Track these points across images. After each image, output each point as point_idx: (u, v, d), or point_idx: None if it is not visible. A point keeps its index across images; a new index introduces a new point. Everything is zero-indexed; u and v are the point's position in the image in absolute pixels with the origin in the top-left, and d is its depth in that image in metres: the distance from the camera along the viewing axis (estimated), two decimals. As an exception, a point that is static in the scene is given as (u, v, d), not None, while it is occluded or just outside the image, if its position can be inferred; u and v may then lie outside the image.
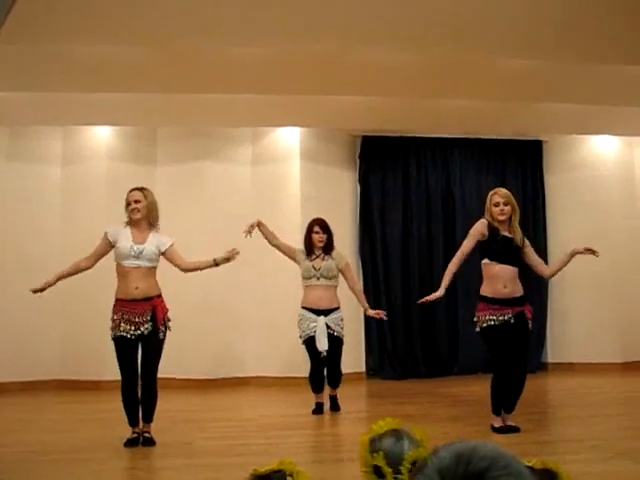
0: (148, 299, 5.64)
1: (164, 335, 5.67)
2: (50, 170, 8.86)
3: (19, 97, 7.30)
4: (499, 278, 5.81)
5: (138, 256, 5.66)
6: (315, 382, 6.95)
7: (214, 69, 6.68)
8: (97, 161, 8.89)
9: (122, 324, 5.59)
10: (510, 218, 5.90)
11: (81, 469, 4.89)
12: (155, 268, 5.79)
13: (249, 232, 6.91)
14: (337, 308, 6.98)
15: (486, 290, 5.89)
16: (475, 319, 5.91)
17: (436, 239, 9.55)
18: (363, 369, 9.21)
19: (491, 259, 5.87)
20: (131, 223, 5.82)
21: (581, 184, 9.72)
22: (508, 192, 5.95)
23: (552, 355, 9.70)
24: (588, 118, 8.65)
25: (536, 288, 9.42)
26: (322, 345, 6.78)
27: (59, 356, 8.61)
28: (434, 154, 9.70)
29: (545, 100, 7.84)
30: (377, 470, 2.07)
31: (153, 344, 5.62)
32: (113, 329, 5.64)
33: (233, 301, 8.81)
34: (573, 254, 6.10)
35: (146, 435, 5.64)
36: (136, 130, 8.99)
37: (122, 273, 5.70)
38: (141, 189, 5.90)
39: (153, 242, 5.76)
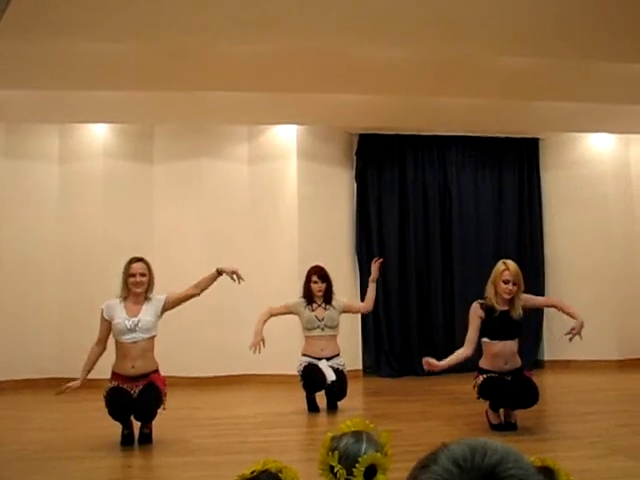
0: (144, 376, 5.61)
1: (162, 400, 5.60)
2: (47, 168, 8.84)
3: (16, 94, 7.28)
4: (500, 356, 5.82)
5: (134, 329, 5.60)
6: (309, 388, 6.91)
7: (211, 66, 6.67)
8: (94, 159, 8.87)
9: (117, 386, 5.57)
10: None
11: (78, 467, 4.89)
12: (153, 338, 5.72)
13: (258, 349, 6.85)
14: (338, 354, 7.02)
15: (486, 364, 5.90)
16: (472, 385, 5.93)
17: (433, 237, 9.55)
18: (360, 367, 9.21)
19: (492, 338, 5.84)
20: (128, 295, 5.74)
21: (577, 181, 9.72)
22: (517, 269, 5.83)
23: (548, 353, 9.70)
24: (584, 116, 8.64)
25: (532, 285, 9.42)
26: (329, 376, 6.76)
27: (56, 354, 8.58)
28: (431, 152, 9.69)
29: (542, 98, 7.83)
30: (332, 469, 2.05)
31: (150, 394, 5.55)
32: (107, 389, 5.62)
33: (230, 299, 8.79)
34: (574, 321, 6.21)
35: (145, 431, 5.61)
36: (133, 128, 8.98)
37: (120, 349, 5.66)
38: (143, 260, 5.81)
39: (148, 310, 5.70)
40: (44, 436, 5.89)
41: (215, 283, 8.61)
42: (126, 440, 5.54)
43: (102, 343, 5.78)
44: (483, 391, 5.82)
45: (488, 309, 5.83)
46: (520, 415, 5.94)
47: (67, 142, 8.92)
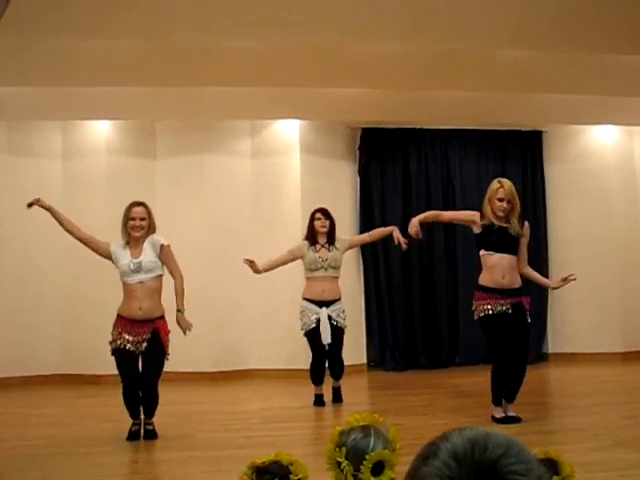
0: (150, 321, 5.64)
1: (165, 353, 5.66)
2: (50, 165, 8.84)
3: (18, 92, 7.29)
4: (497, 268, 5.85)
5: (138, 270, 5.64)
6: (315, 374, 6.95)
7: (213, 62, 6.67)
8: (97, 155, 8.87)
9: (122, 338, 5.59)
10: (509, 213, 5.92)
11: (83, 462, 4.90)
12: (160, 279, 5.76)
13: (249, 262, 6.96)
14: (339, 299, 6.98)
15: (485, 279, 5.94)
16: (473, 307, 5.98)
17: (436, 230, 9.52)
18: (364, 361, 9.21)
19: (488, 249, 5.92)
20: (129, 240, 5.77)
21: (581, 174, 9.70)
22: (512, 187, 5.92)
23: (553, 345, 9.70)
24: (588, 108, 8.62)
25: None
26: (326, 338, 6.77)
27: (60, 350, 8.61)
28: (434, 145, 9.68)
29: (545, 90, 7.82)
30: (339, 465, 2.04)
31: (153, 358, 5.62)
32: (112, 342, 5.65)
33: (235, 294, 8.81)
34: (551, 287, 6.52)
35: (148, 428, 5.64)
36: (135, 124, 8.97)
37: (127, 291, 5.70)
38: (143, 204, 5.85)
39: (149, 250, 5.73)
40: (49, 432, 5.91)
41: (219, 279, 8.68)
42: (132, 436, 5.56)
43: (82, 235, 5.95)
44: (483, 324, 5.91)
45: (486, 225, 5.92)
46: (524, 408, 5.95)
47: (70, 139, 8.93)
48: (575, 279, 6.08)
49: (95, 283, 8.31)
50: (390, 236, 7.18)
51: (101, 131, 8.92)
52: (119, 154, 8.90)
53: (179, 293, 5.80)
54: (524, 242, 6.02)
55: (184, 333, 5.79)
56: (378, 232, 7.43)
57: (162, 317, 5.73)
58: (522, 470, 0.91)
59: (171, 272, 5.84)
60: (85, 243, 5.96)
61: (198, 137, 8.97)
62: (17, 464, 4.84)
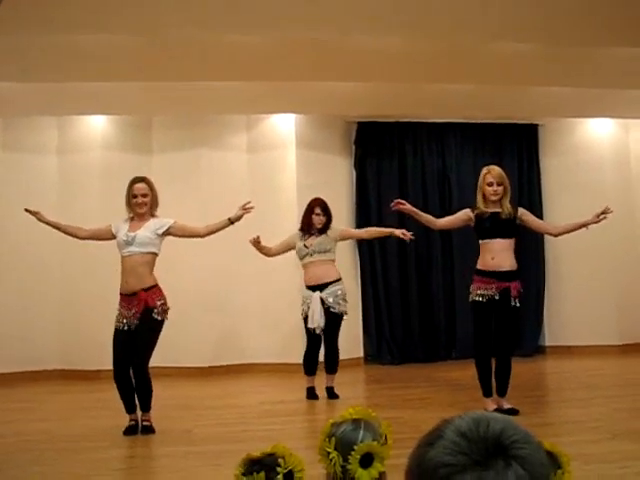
0: (135, 294, 5.64)
1: (156, 325, 5.65)
2: (46, 160, 8.83)
3: (14, 87, 7.27)
4: (488, 251, 5.98)
5: (131, 242, 5.68)
6: (308, 362, 6.98)
7: (208, 57, 6.66)
8: (93, 151, 8.86)
9: (119, 317, 5.68)
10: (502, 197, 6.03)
11: (81, 457, 4.91)
12: (150, 255, 5.74)
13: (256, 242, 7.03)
14: (335, 281, 6.97)
15: (478, 263, 6.09)
16: (470, 289, 6.09)
17: (433, 224, 9.54)
18: (361, 355, 9.23)
19: (484, 237, 6.04)
20: (134, 215, 5.81)
21: (577, 167, 9.71)
22: (501, 171, 6.06)
23: (550, 338, 9.71)
24: (583, 101, 8.62)
25: (533, 271, 9.43)
26: (314, 322, 6.78)
27: (58, 346, 8.61)
28: (430, 139, 9.68)
29: (540, 83, 7.81)
30: (329, 455, 2.06)
31: (141, 336, 5.63)
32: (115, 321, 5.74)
33: (231, 288, 8.81)
34: (586, 225, 6.25)
35: (145, 424, 5.65)
36: (131, 119, 8.96)
37: (122, 265, 5.76)
38: (144, 180, 5.90)
39: (150, 227, 5.77)
40: (47, 427, 5.91)
41: (216, 274, 8.67)
42: (129, 430, 5.57)
43: (88, 233, 6.04)
44: (472, 308, 6.03)
45: (478, 215, 6.06)
46: (521, 400, 5.96)
47: (66, 134, 8.91)
48: (612, 211, 6.12)
49: (93, 278, 8.31)
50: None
51: (97, 126, 8.90)
52: (115, 149, 8.89)
53: (213, 225, 6.01)
54: (530, 217, 6.20)
55: (248, 211, 6.03)
56: (376, 231, 7.45)
57: (154, 286, 5.71)
58: (522, 439, 0.99)
59: (194, 234, 6.03)
60: (91, 239, 6.03)
61: (194, 132, 8.96)
62: (16, 459, 4.85)
